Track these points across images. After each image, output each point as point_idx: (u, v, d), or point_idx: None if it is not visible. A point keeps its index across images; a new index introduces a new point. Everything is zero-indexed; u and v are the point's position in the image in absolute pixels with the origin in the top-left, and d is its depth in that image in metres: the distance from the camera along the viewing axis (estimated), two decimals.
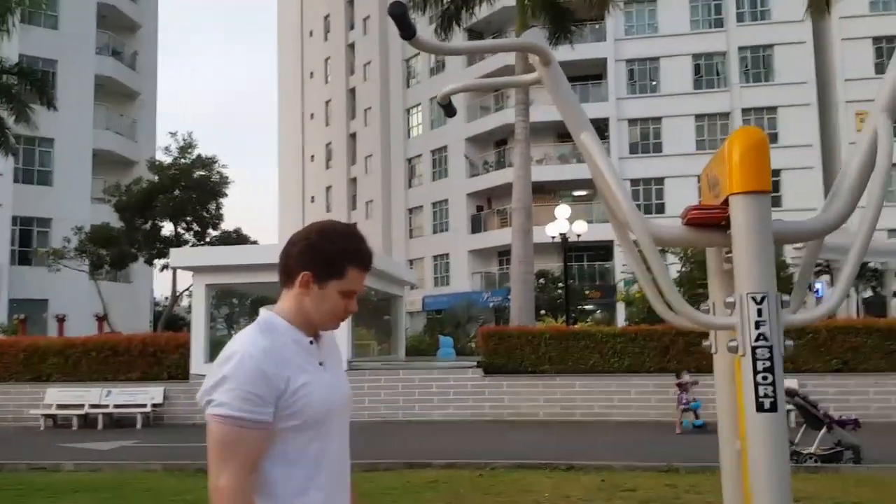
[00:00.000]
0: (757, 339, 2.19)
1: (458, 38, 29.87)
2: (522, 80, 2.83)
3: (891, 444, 10.61)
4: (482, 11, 20.38)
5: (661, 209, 37.87)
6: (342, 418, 1.93)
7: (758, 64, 39.91)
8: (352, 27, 54.10)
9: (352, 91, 53.43)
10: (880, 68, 38.43)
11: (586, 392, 14.89)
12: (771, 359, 2.19)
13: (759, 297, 2.20)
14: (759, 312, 2.20)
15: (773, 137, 38.86)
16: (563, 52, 22.86)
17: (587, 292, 36.77)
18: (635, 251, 2.83)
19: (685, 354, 14.80)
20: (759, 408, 2.19)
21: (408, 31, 2.31)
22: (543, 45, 2.59)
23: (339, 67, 54.75)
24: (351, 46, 53.93)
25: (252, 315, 31.30)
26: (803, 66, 38.90)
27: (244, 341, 1.82)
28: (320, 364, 1.90)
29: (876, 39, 38.43)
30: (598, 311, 39.12)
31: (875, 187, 2.22)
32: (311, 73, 57.89)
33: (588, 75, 39.66)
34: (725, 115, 39.72)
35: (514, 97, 19.52)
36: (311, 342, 1.90)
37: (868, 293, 29.17)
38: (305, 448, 1.81)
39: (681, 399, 13.25)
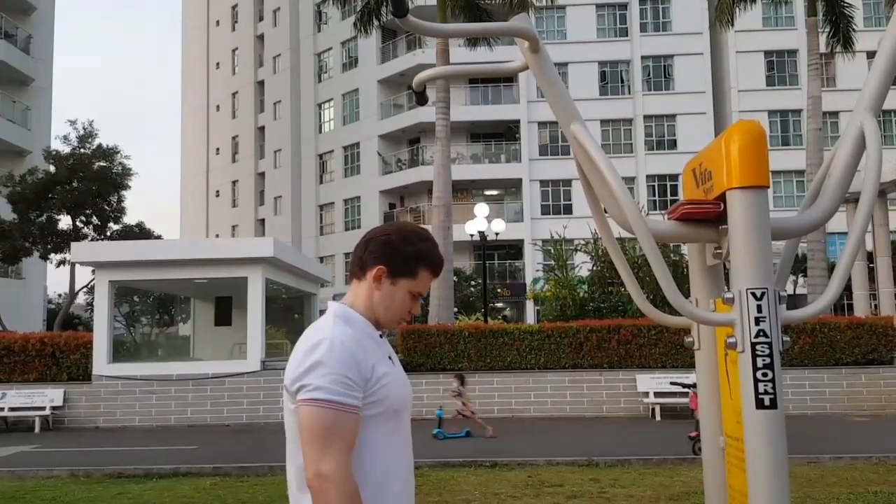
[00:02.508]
0: (757, 336, 2.18)
1: (375, 35, 29.56)
2: (508, 67, 2.74)
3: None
4: None
5: (568, 210, 38.76)
6: (409, 413, 1.98)
7: (659, 73, 41.46)
8: (261, 18, 52.75)
9: (260, 83, 52.10)
10: (771, 80, 40.73)
11: (504, 389, 15.02)
12: (770, 355, 2.18)
13: (759, 293, 2.19)
14: (759, 308, 2.19)
15: (672, 144, 40.51)
16: (483, 54, 23.01)
17: (498, 290, 37.23)
18: (617, 245, 2.80)
19: (598, 350, 15.18)
20: (759, 404, 2.17)
21: (401, 9, 2.19)
22: (534, 31, 2.51)
23: (247, 59, 53.28)
24: (260, 38, 52.58)
25: (155, 313, 30.02)
26: (701, 76, 40.70)
27: (329, 329, 1.83)
28: (389, 358, 1.94)
29: (767, 53, 40.66)
30: (508, 309, 39.70)
31: (869, 184, 2.25)
32: (218, 64, 56.06)
33: (500, 77, 40.15)
34: (629, 122, 41.06)
35: (435, 95, 19.43)
36: (380, 336, 1.95)
37: None
38: (387, 438, 1.85)
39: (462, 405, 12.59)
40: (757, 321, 2.19)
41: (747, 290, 2.20)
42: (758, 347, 2.18)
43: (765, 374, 2.17)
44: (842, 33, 20.56)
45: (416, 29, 2.35)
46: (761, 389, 2.17)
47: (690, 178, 2.68)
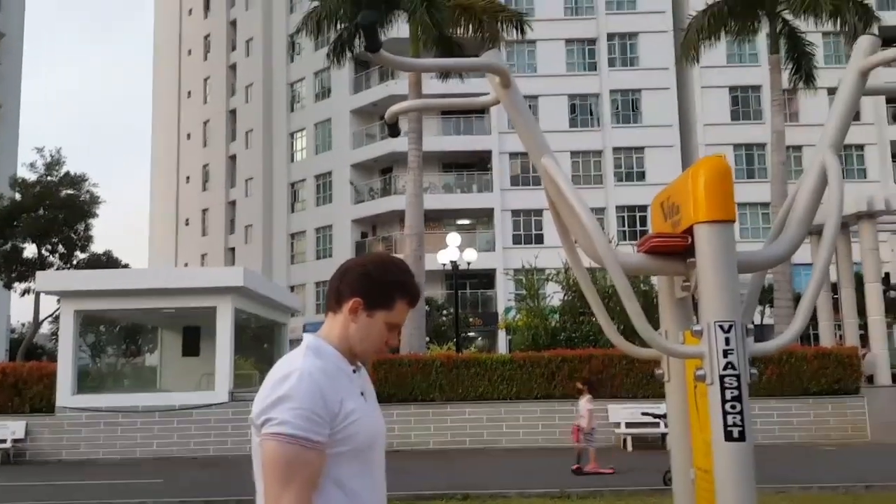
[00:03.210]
0: (725, 368, 2.21)
1: (348, 66, 29.80)
2: (479, 101, 2.78)
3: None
4: None
5: (539, 239, 38.98)
6: (382, 451, 1.92)
7: (627, 106, 42.20)
8: (234, 48, 52.82)
9: (232, 112, 51.99)
10: (735, 115, 41.64)
11: (476, 419, 14.95)
12: (739, 387, 2.21)
13: (726, 326, 2.23)
14: (727, 341, 2.22)
15: (641, 176, 41.10)
16: (455, 85, 23.27)
17: (470, 320, 37.20)
18: (587, 276, 2.83)
19: (570, 380, 15.16)
20: (728, 437, 2.19)
21: (375, 44, 2.21)
22: (505, 66, 2.56)
23: (219, 88, 53.19)
24: (232, 67, 52.59)
25: (121, 343, 29.49)
26: (668, 110, 41.50)
27: (299, 362, 1.78)
28: (361, 394, 1.88)
29: (732, 88, 41.64)
30: (480, 339, 39.63)
31: (831, 218, 2.31)
32: (189, 93, 55.89)
33: (473, 110, 40.55)
34: (598, 153, 41.61)
35: (408, 125, 19.55)
36: (353, 370, 1.89)
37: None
38: (353, 476, 1.79)
39: None
40: (725, 353, 2.22)
41: (715, 322, 2.24)
42: (726, 380, 2.21)
43: (733, 407, 2.20)
44: (804, 70, 21.14)
45: (389, 63, 2.38)
46: (730, 422, 2.20)
47: (658, 211, 2.73)
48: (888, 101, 40.55)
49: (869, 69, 2.61)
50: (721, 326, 2.23)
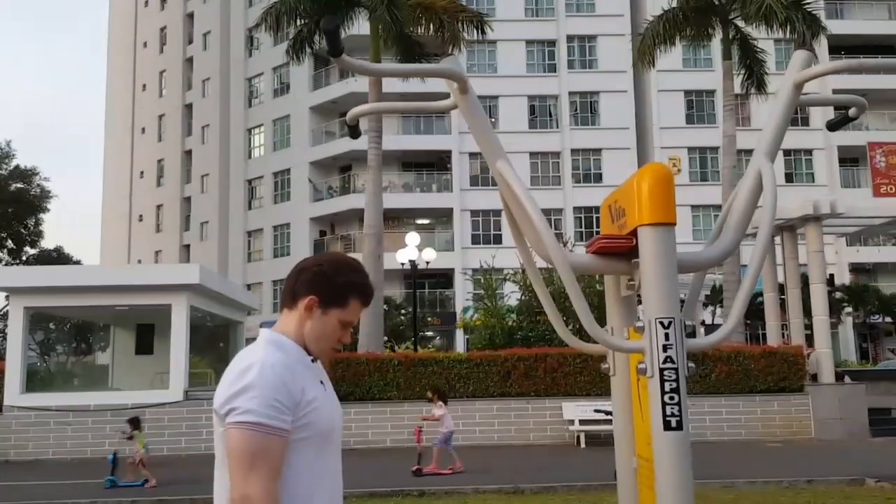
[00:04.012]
0: (665, 362, 2.35)
1: (308, 62, 29.67)
2: (438, 105, 2.88)
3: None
4: None
5: (498, 239, 39.28)
6: (339, 438, 1.99)
7: (585, 108, 42.75)
8: (190, 41, 52.03)
9: (188, 107, 51.20)
10: (690, 118, 42.49)
11: None
12: (677, 380, 2.35)
13: (666, 322, 2.37)
14: (667, 336, 2.36)
15: (598, 177, 41.69)
16: (415, 84, 23.34)
17: (428, 319, 37.31)
18: (540, 277, 2.95)
19: (525, 378, 15.38)
20: (667, 426, 2.34)
21: (337, 49, 2.30)
22: (463, 73, 2.66)
23: (175, 81, 52.35)
24: (189, 61, 51.81)
25: (72, 341, 28.87)
26: (625, 113, 42.16)
27: (260, 353, 1.86)
28: (321, 382, 1.96)
29: (687, 93, 42.47)
30: (438, 338, 39.79)
31: (765, 222, 2.46)
32: (144, 86, 54.89)
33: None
34: (557, 154, 42.07)
35: (367, 124, 19.55)
36: (312, 360, 1.97)
37: None
38: (312, 462, 1.85)
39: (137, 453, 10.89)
40: (665, 348, 2.36)
41: (656, 319, 2.37)
42: (665, 373, 2.35)
43: (672, 398, 2.34)
44: (755, 76, 21.70)
45: (351, 68, 2.46)
46: (668, 412, 2.34)
47: (607, 213, 2.86)
48: (836, 108, 41.83)
49: (803, 82, 2.78)
50: (661, 323, 2.36)
